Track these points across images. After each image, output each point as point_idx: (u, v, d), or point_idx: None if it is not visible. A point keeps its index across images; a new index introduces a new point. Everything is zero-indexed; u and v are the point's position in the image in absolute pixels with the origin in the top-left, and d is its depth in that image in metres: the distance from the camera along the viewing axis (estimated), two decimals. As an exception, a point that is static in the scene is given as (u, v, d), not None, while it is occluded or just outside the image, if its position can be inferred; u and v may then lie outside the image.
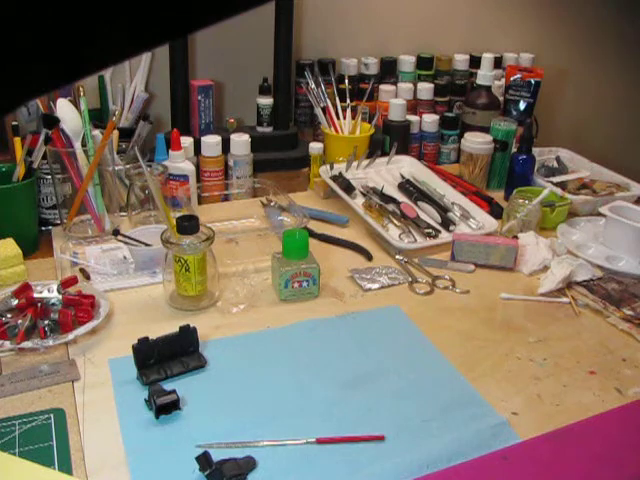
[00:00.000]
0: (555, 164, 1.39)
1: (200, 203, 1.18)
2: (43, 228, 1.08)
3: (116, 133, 1.13)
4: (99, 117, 1.25)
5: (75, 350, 0.78)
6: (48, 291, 0.84)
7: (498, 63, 1.58)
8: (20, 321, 0.78)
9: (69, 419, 0.67)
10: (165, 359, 0.75)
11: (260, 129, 1.36)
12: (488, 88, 1.42)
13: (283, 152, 1.36)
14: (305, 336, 0.83)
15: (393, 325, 0.87)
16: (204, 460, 0.60)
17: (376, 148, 1.32)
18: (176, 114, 1.31)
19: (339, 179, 1.18)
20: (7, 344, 0.76)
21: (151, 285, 0.93)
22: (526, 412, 0.71)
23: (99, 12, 0.18)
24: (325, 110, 1.33)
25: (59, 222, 1.07)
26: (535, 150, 1.30)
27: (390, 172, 1.28)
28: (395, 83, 1.51)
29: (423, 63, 1.56)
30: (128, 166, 1.11)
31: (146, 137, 1.21)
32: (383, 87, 1.48)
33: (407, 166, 1.30)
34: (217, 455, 0.61)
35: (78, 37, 0.19)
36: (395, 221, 1.11)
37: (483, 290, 0.96)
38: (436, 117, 1.44)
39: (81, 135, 1.02)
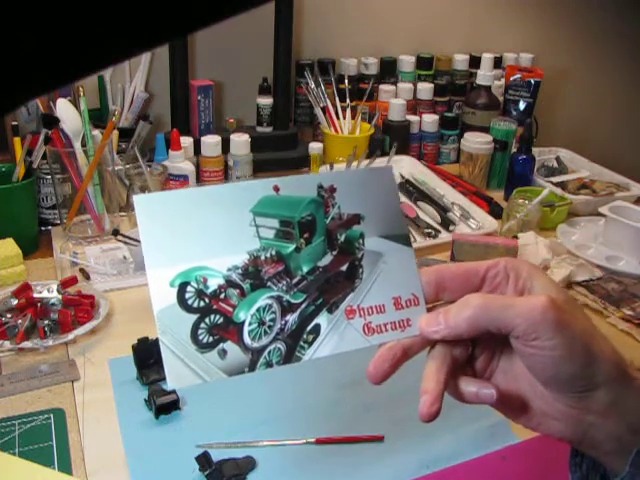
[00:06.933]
0: (555, 164, 1.39)
1: (200, 203, 1.18)
2: (43, 228, 1.08)
3: (116, 133, 1.13)
4: (99, 117, 1.25)
5: (75, 350, 0.78)
6: (48, 291, 0.84)
7: (498, 63, 1.57)
8: (20, 321, 0.78)
9: (69, 419, 0.67)
10: (165, 359, 0.74)
11: (260, 129, 1.36)
12: (488, 88, 1.42)
13: (283, 152, 1.36)
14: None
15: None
16: (204, 460, 0.60)
17: (376, 148, 1.32)
18: (176, 114, 1.30)
19: (339, 179, 1.18)
20: (7, 344, 0.76)
21: (151, 285, 0.93)
22: (526, 412, 0.71)
23: (99, 12, 0.18)
24: (325, 110, 1.33)
25: (59, 222, 1.07)
26: (535, 150, 1.30)
27: (390, 172, 1.28)
28: (395, 83, 1.51)
29: (423, 63, 1.56)
30: (128, 166, 1.11)
31: (146, 137, 1.21)
32: (383, 87, 1.48)
33: (407, 166, 1.30)
34: (217, 455, 0.61)
35: (79, 37, 0.19)
36: (395, 221, 1.11)
37: (483, 290, 0.96)
38: (436, 117, 1.44)
39: (81, 135, 1.02)
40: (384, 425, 0.68)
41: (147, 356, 0.73)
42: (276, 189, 0.40)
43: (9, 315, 0.79)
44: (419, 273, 0.42)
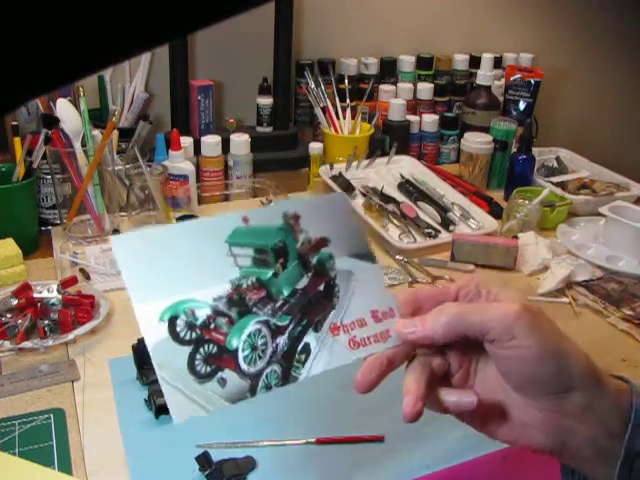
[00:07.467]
0: (555, 164, 1.39)
1: (200, 203, 1.18)
2: (43, 228, 1.08)
3: (116, 133, 1.13)
4: (99, 117, 1.25)
5: (75, 350, 0.78)
6: (48, 291, 0.84)
7: (498, 63, 1.57)
8: (20, 321, 0.78)
9: (69, 419, 0.67)
10: (165, 359, 0.74)
11: (260, 129, 1.36)
12: (488, 88, 1.42)
13: (283, 152, 1.36)
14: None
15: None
16: (204, 460, 0.60)
17: (376, 148, 1.32)
18: (176, 114, 1.30)
19: (339, 179, 1.18)
20: (7, 344, 0.76)
21: (151, 285, 0.93)
22: (526, 412, 0.71)
23: (99, 12, 0.18)
24: (325, 110, 1.33)
25: (59, 222, 1.07)
26: (535, 150, 1.30)
27: (390, 172, 1.28)
28: (395, 83, 1.51)
29: (423, 63, 1.56)
30: (128, 166, 1.11)
31: (146, 137, 1.21)
32: (383, 87, 1.48)
33: (407, 166, 1.30)
34: (217, 455, 0.61)
35: (79, 37, 0.19)
36: (395, 221, 1.11)
37: (483, 290, 0.96)
38: (436, 117, 1.44)
39: (81, 135, 1.02)
40: (384, 425, 0.68)
41: (147, 356, 0.73)
42: (245, 220, 0.42)
43: (9, 315, 0.79)
44: (386, 288, 0.45)
